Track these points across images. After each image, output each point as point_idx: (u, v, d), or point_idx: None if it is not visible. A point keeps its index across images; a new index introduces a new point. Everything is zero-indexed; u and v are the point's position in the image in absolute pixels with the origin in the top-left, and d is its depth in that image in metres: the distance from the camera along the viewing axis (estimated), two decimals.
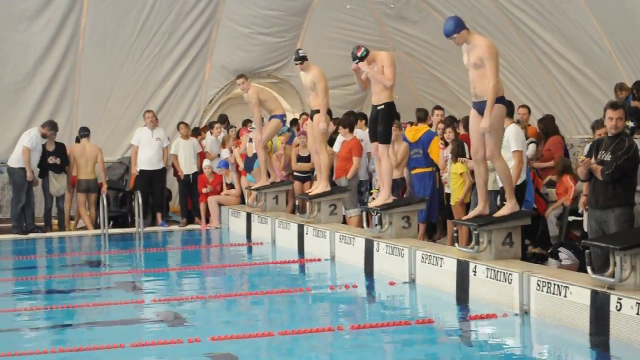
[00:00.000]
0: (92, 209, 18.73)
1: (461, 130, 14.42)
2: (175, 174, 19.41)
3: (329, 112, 15.38)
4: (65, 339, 9.47)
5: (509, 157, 12.10)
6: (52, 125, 18.25)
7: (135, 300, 11.53)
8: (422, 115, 15.93)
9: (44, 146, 18.15)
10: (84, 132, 18.81)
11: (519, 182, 12.07)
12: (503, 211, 11.04)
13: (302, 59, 15.17)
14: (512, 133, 11.87)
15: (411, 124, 16.48)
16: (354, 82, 21.71)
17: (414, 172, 15.14)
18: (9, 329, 10.09)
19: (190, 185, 19.03)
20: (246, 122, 19.22)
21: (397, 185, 14.54)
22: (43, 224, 18.40)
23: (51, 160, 18.11)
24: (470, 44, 10.82)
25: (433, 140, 15.07)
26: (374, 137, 13.12)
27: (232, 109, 21.85)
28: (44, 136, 18.09)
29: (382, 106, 12.82)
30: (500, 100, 10.82)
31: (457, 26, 10.85)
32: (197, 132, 19.91)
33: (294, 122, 19.95)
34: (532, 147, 14.92)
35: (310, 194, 15.38)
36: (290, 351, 8.98)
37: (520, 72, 20.15)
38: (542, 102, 19.71)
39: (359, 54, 12.81)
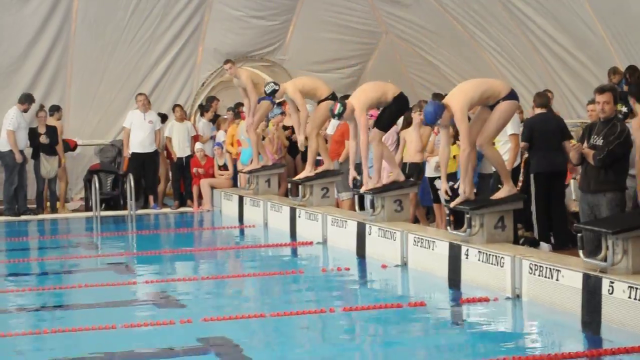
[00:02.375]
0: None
1: None
2: (168, 156, 19.37)
3: (334, 96, 15.23)
4: (57, 320, 9.47)
5: (505, 141, 12.13)
6: (28, 98, 18.19)
7: (127, 282, 11.53)
8: None
9: (34, 129, 18.14)
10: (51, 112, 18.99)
11: (514, 165, 12.08)
12: (500, 194, 11.05)
13: (273, 93, 15.17)
14: None
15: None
16: (346, 65, 22.02)
17: None
18: (0, 309, 10.08)
19: (182, 168, 19.00)
20: (239, 105, 19.07)
21: (419, 169, 14.46)
22: (35, 206, 18.40)
23: (42, 139, 18.09)
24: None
25: None
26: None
27: (224, 92, 21.76)
28: (25, 111, 18.07)
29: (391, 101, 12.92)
30: (512, 95, 10.84)
31: (437, 112, 10.74)
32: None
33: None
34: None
35: (294, 178, 15.39)
36: (282, 333, 8.99)
37: (512, 56, 20.14)
38: (535, 86, 19.66)
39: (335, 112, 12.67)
